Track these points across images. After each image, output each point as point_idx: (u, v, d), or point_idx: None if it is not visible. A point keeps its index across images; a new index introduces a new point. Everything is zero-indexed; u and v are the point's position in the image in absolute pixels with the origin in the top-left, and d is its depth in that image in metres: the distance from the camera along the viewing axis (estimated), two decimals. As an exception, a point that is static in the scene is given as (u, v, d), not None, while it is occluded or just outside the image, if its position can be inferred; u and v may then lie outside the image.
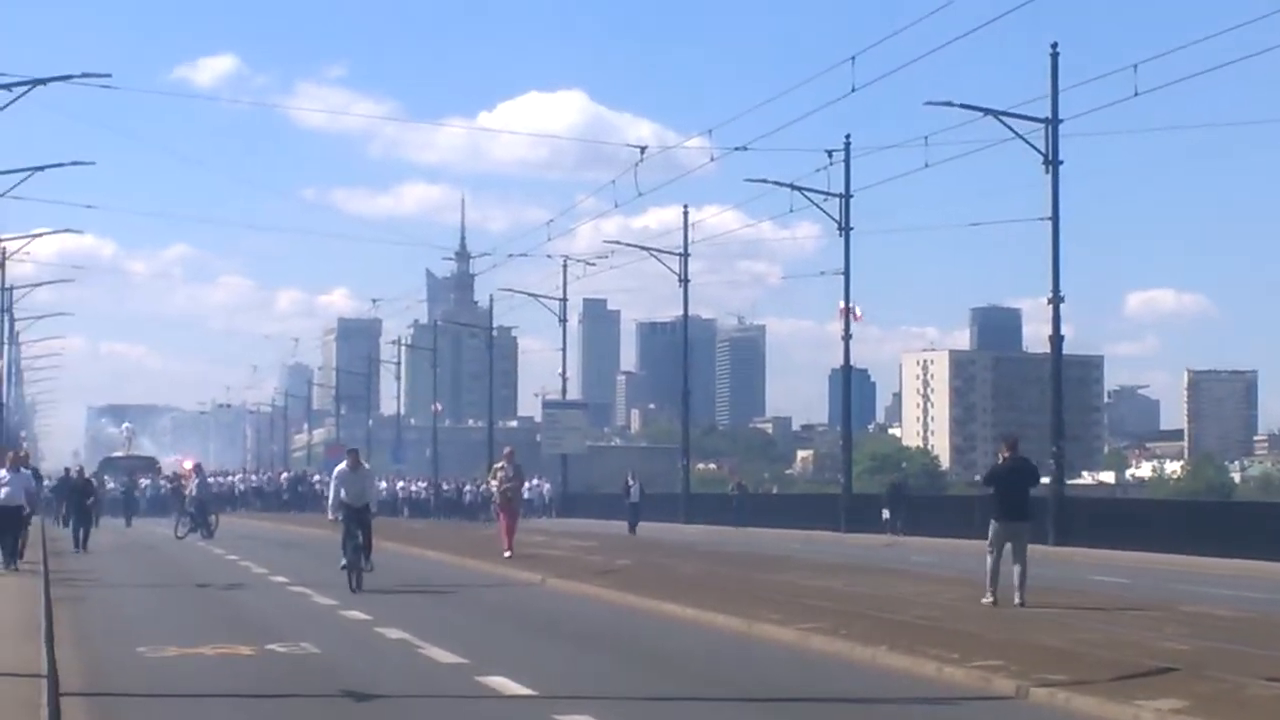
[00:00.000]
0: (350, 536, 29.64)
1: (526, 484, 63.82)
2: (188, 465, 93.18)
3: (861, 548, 50.29)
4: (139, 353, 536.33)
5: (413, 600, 28.04)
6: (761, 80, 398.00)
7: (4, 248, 72.69)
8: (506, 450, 41.11)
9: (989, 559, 25.56)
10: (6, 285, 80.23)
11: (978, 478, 77.78)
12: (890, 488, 64.08)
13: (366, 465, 31.96)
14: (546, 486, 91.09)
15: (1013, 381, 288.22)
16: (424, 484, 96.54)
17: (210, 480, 65.91)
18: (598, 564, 35.81)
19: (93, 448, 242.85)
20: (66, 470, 74.24)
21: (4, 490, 33.07)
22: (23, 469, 36.24)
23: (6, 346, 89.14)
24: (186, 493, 56.55)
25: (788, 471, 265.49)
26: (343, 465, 30.76)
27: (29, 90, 46.40)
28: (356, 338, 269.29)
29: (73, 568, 36.42)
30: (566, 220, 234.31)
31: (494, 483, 42.42)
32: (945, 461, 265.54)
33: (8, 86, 46.16)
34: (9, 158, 67.47)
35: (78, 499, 48.27)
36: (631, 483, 66.55)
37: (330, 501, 30.80)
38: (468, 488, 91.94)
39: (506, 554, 38.11)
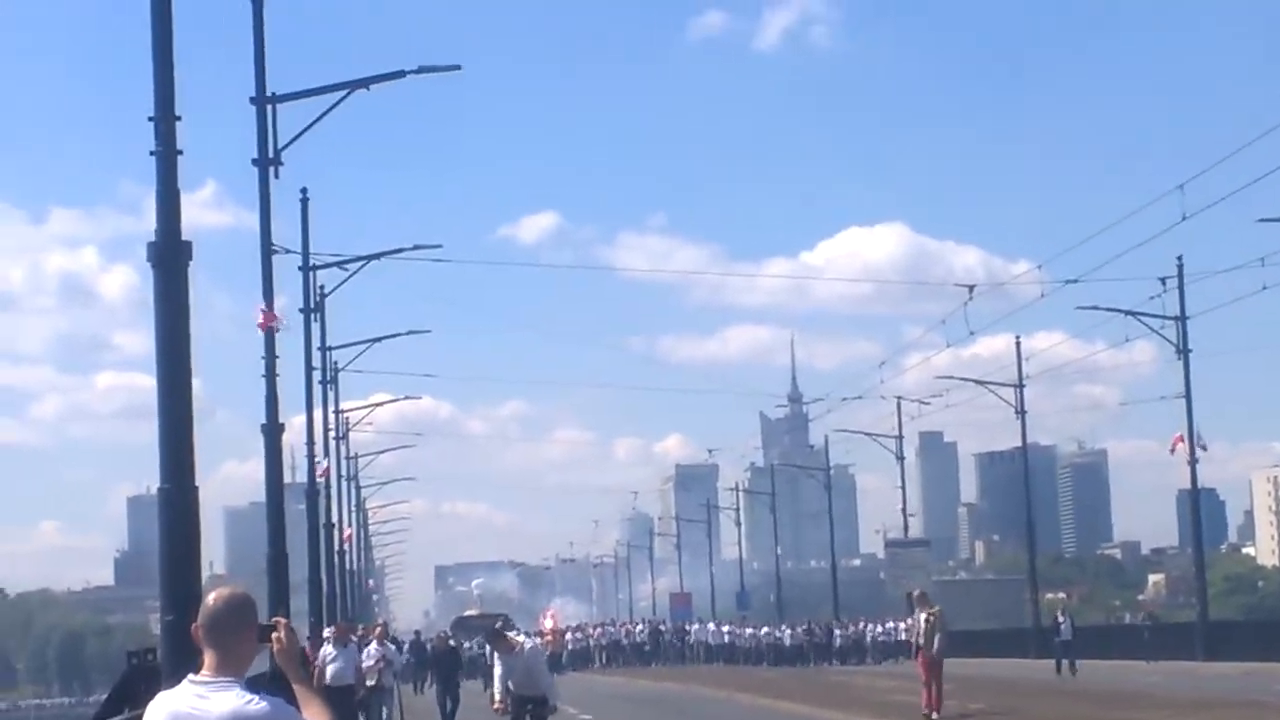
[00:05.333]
0: None
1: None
2: (549, 624, 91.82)
3: (1219, 678, 48.73)
4: (480, 511, 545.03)
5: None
6: (1088, 201, 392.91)
7: (347, 418, 74.57)
8: (917, 593, 37.38)
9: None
10: (351, 454, 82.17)
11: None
12: None
13: (517, 641, 23.28)
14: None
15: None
16: (788, 629, 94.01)
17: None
18: (952, 710, 35.25)
19: (442, 607, 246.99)
20: (417, 634, 75.12)
21: (331, 668, 29.27)
22: (385, 642, 33.96)
23: (354, 514, 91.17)
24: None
25: (1140, 597, 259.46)
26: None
27: (364, 265, 47.99)
28: (694, 484, 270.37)
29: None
30: (896, 355, 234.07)
31: (908, 624, 37.67)
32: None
33: (343, 264, 47.78)
34: (346, 332, 70.33)
35: (444, 668, 44.08)
36: (1062, 619, 61.66)
37: (497, 687, 23.05)
38: (836, 631, 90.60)
39: (928, 713, 33.72)
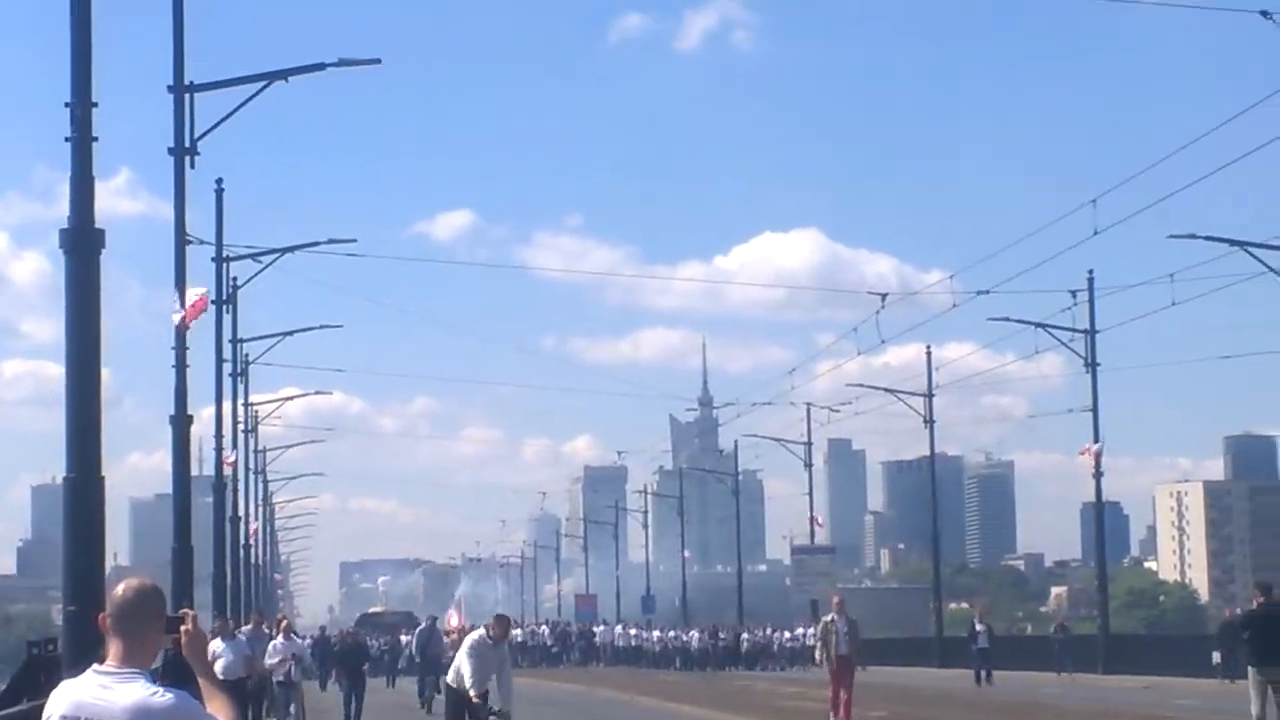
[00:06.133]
0: None
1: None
2: (454, 623, 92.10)
3: (1120, 691, 49.09)
4: (389, 508, 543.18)
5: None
6: (1002, 213, 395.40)
7: (256, 411, 74.11)
8: (836, 600, 35.66)
9: (1253, 707, 25.11)
10: (259, 448, 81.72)
11: (1228, 611, 71.54)
12: (1223, 626, 55.15)
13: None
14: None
15: (1271, 511, 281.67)
16: (696, 632, 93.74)
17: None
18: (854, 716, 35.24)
19: (347, 604, 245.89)
20: (322, 629, 75.01)
21: (220, 662, 27.66)
22: (292, 637, 33.69)
23: (261, 508, 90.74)
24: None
25: (1042, 609, 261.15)
26: (479, 634, 22.62)
27: (278, 258, 47.71)
28: (603, 486, 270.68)
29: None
30: (807, 361, 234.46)
31: (818, 645, 35.33)
32: (1204, 595, 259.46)
33: (257, 255, 47.47)
34: (258, 325, 69.29)
35: (351, 664, 41.86)
36: (980, 628, 60.81)
37: (469, 677, 21.96)
38: (744, 636, 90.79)
39: None
